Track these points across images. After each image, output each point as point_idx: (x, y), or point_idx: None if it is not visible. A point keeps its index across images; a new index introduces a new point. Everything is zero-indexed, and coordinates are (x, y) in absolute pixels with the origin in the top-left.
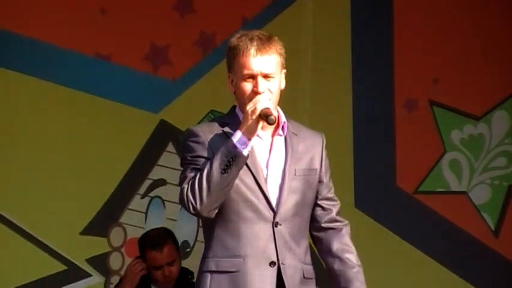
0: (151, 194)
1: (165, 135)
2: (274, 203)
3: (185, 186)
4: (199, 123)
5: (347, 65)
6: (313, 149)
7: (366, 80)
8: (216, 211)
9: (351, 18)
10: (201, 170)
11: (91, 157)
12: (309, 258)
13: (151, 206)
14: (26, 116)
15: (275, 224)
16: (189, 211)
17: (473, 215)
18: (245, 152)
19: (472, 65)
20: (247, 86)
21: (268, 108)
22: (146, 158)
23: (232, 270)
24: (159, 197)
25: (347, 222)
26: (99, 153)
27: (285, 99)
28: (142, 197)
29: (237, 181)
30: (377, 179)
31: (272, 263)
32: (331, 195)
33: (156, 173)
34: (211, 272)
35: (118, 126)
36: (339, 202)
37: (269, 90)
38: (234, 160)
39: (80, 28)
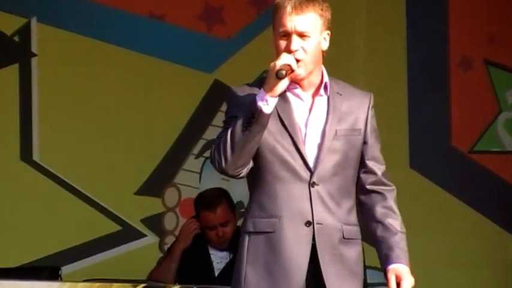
0: (206, 154)
1: (219, 95)
2: (311, 163)
3: (213, 145)
4: (253, 82)
5: (402, 23)
6: (358, 109)
7: (421, 38)
8: (245, 170)
9: None
10: (228, 129)
11: (145, 117)
12: (352, 219)
13: (205, 166)
14: (81, 76)
15: (311, 184)
16: (216, 169)
17: None
18: (265, 109)
19: None
20: (282, 44)
21: (287, 65)
22: (200, 117)
23: (269, 230)
24: None
25: (393, 187)
26: (153, 113)
27: (340, 61)
28: (197, 157)
29: (273, 142)
30: (432, 138)
31: (308, 223)
32: (377, 156)
33: (210, 133)
34: (250, 232)
35: (172, 86)
36: (384, 164)
37: (303, 48)
38: (254, 117)
39: None
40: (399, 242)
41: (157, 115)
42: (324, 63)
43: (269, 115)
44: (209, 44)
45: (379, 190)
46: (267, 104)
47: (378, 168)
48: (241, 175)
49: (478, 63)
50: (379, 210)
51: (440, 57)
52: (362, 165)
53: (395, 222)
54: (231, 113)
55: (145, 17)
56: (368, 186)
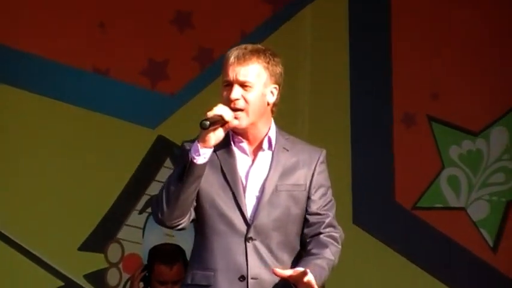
0: (149, 210)
1: (162, 151)
2: (249, 217)
3: (153, 197)
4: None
5: (345, 79)
6: (304, 164)
7: (364, 94)
8: (183, 222)
9: (349, 33)
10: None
11: (88, 172)
12: None
13: (149, 221)
14: (23, 131)
15: (248, 239)
16: (155, 221)
17: (471, 230)
18: (198, 160)
19: (471, 80)
20: (225, 93)
21: (218, 115)
22: (144, 173)
23: (204, 283)
24: None
25: (340, 231)
26: (96, 168)
27: (283, 114)
28: (140, 212)
29: (213, 195)
30: (375, 194)
31: (241, 277)
32: (321, 210)
33: (154, 189)
34: (187, 285)
35: (115, 142)
36: (329, 216)
37: (244, 98)
38: (187, 168)
39: (78, 42)
40: (318, 261)
41: (101, 170)
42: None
43: (202, 166)
44: (153, 99)
45: (319, 238)
46: (199, 154)
47: (322, 219)
48: (179, 226)
49: (421, 118)
50: (311, 247)
51: (384, 113)
52: (305, 218)
53: (325, 251)
54: (177, 166)
55: (89, 72)
56: (308, 239)
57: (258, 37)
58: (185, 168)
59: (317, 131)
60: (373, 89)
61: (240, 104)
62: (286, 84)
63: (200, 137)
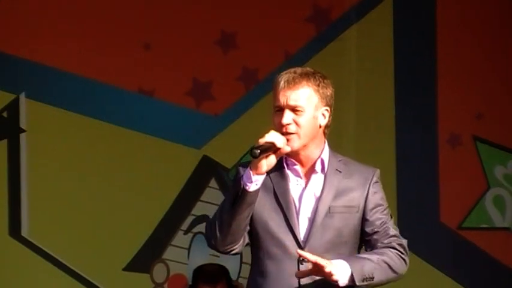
0: (194, 230)
1: (207, 171)
2: (302, 240)
3: (207, 222)
4: (241, 159)
5: (390, 100)
6: (358, 185)
7: (410, 115)
8: (237, 247)
9: (394, 54)
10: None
11: (135, 193)
12: None
13: (194, 241)
14: (70, 152)
15: (301, 261)
16: (208, 246)
17: None
18: (250, 187)
19: None
20: (276, 118)
21: (269, 143)
22: (189, 193)
23: None
24: (202, 233)
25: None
26: (143, 189)
27: (329, 134)
28: (185, 232)
29: (266, 218)
30: (421, 214)
31: None
32: (379, 229)
33: (199, 209)
34: None
35: (161, 162)
36: (390, 228)
37: (296, 122)
38: (239, 195)
39: (123, 63)
40: (367, 255)
41: (146, 191)
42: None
43: (255, 192)
44: (198, 120)
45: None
46: (251, 182)
47: (385, 238)
48: (233, 252)
49: (466, 139)
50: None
51: (429, 134)
52: (366, 240)
53: (381, 251)
54: (229, 190)
55: (135, 93)
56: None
57: (302, 57)
58: (235, 195)
59: (362, 152)
60: (418, 110)
61: (292, 128)
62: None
63: (252, 164)
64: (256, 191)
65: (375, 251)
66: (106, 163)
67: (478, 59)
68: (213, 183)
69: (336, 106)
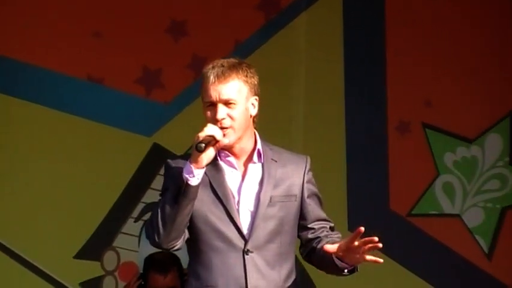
0: (145, 218)
1: (158, 159)
2: (245, 231)
3: (147, 220)
4: (191, 146)
5: (340, 88)
6: (293, 174)
7: (359, 102)
8: (178, 242)
9: (344, 42)
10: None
11: (83, 181)
12: (292, 285)
13: (144, 229)
14: (17, 139)
15: (246, 252)
16: (151, 244)
17: (466, 237)
18: (192, 181)
19: (465, 87)
20: (209, 114)
21: (209, 136)
22: (139, 181)
23: None
24: None
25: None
26: (92, 176)
27: (278, 122)
28: (136, 220)
29: (206, 212)
30: (370, 201)
31: None
32: (321, 216)
33: (149, 197)
34: None
35: (110, 150)
36: (329, 221)
37: (230, 116)
38: (182, 190)
39: (72, 51)
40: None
41: (96, 178)
42: (257, 129)
43: (196, 187)
44: (148, 107)
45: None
46: (193, 176)
47: (326, 224)
48: (175, 247)
49: (415, 126)
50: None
51: (378, 121)
52: (309, 229)
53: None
54: (164, 186)
55: (84, 81)
56: (314, 244)
57: (251, 45)
58: (180, 190)
59: (312, 139)
60: (367, 97)
61: (227, 122)
62: (281, 92)
63: (193, 158)
64: (198, 186)
65: (330, 237)
66: (55, 151)
67: (426, 47)
68: (163, 170)
69: (286, 94)
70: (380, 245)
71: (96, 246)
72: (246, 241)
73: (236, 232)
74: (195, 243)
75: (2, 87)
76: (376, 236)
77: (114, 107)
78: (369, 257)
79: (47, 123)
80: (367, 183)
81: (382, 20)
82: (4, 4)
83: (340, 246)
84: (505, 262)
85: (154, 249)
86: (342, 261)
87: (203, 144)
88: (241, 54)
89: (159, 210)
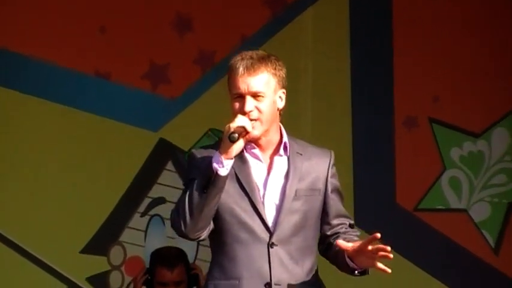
0: (151, 213)
1: (164, 154)
2: (270, 224)
3: (173, 209)
4: (198, 141)
5: (347, 82)
6: (318, 168)
7: (366, 97)
8: (205, 233)
9: (350, 37)
10: (186, 192)
11: (90, 176)
12: (312, 279)
13: (151, 224)
14: (25, 134)
15: (270, 245)
16: (177, 233)
17: (473, 232)
18: (221, 171)
19: (471, 82)
20: (237, 105)
21: (240, 127)
22: (146, 176)
23: None
24: (159, 215)
25: (358, 233)
26: (99, 171)
27: (286, 117)
28: (142, 215)
29: (232, 204)
30: (377, 196)
31: (267, 284)
32: (342, 212)
33: (155, 191)
34: None
35: (117, 145)
36: (350, 218)
37: (258, 109)
38: (211, 180)
39: (79, 46)
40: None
41: (103, 173)
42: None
43: (225, 177)
44: (154, 102)
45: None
46: (223, 166)
47: (346, 220)
48: (201, 238)
49: (422, 121)
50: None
51: (385, 116)
52: (329, 224)
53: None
54: (190, 176)
55: (91, 76)
56: (332, 240)
57: (258, 40)
58: (207, 180)
59: (319, 134)
60: (374, 92)
61: (254, 114)
62: (288, 87)
63: (223, 148)
64: (227, 176)
65: (348, 234)
66: (63, 146)
67: (434, 42)
68: (169, 165)
69: (293, 88)
70: (391, 255)
71: (102, 241)
72: (271, 234)
73: (261, 225)
74: (219, 235)
75: (7, 81)
76: (381, 231)
77: (121, 102)
78: (379, 265)
79: (53, 118)
80: (374, 177)
81: (389, 16)
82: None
83: (354, 247)
84: None
85: (160, 244)
86: (353, 261)
87: (236, 135)
88: (247, 50)
89: (186, 200)
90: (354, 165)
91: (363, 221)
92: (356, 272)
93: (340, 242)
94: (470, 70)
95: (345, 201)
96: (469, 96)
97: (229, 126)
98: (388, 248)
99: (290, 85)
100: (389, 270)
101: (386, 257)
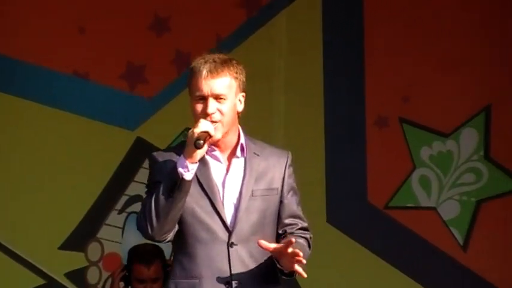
0: (128, 210)
1: (141, 152)
2: (229, 224)
3: (139, 213)
4: (174, 140)
5: (319, 82)
6: (275, 168)
7: (338, 97)
8: (170, 234)
9: (323, 38)
10: (152, 196)
11: (69, 173)
12: (273, 278)
13: (128, 221)
14: (3, 133)
15: (230, 245)
16: (143, 236)
17: (442, 230)
18: (186, 176)
19: (441, 83)
20: (199, 107)
21: (204, 132)
22: (123, 174)
23: None
24: (136, 213)
25: (310, 235)
26: (77, 169)
27: (259, 116)
28: (120, 212)
29: (192, 204)
30: (348, 194)
31: (227, 284)
32: (296, 213)
33: (132, 189)
34: None
35: (95, 143)
36: (305, 220)
37: (220, 111)
38: (176, 184)
39: (58, 46)
40: (300, 239)
41: (80, 171)
42: (240, 123)
43: (190, 181)
44: (132, 102)
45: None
46: (188, 171)
47: (299, 222)
48: (167, 239)
49: (393, 121)
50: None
51: (357, 115)
52: (281, 223)
53: (303, 238)
54: (153, 179)
55: (70, 75)
56: (286, 232)
57: (233, 41)
58: (172, 184)
59: (292, 132)
60: (346, 92)
61: (216, 116)
62: (262, 87)
63: (188, 153)
64: (191, 180)
65: (296, 234)
66: (41, 143)
67: (404, 43)
68: (146, 164)
69: (267, 88)
70: (304, 261)
71: (80, 237)
72: (230, 233)
73: (221, 224)
74: (181, 235)
75: None
76: (353, 228)
77: (99, 102)
78: (297, 267)
79: (31, 117)
80: (346, 176)
81: (361, 17)
82: None
83: (275, 248)
84: (480, 254)
85: (137, 241)
86: (278, 263)
87: (201, 141)
88: (223, 50)
89: (152, 204)
90: (327, 164)
91: (335, 218)
92: (283, 274)
93: (262, 242)
94: (440, 71)
95: (317, 199)
96: (439, 96)
97: (193, 131)
98: (301, 254)
99: (264, 84)
100: (305, 275)
101: (299, 261)
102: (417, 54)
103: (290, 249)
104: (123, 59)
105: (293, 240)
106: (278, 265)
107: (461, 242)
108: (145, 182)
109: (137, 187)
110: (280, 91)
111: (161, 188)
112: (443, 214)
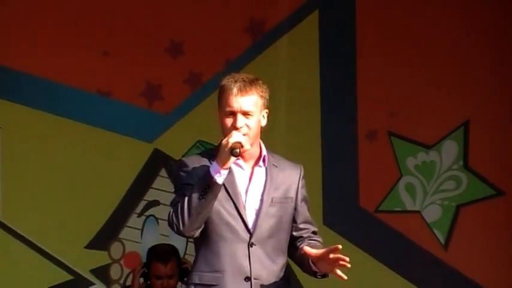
0: (147, 213)
1: (158, 162)
2: (250, 226)
3: (171, 210)
4: (188, 151)
5: (316, 100)
6: (290, 179)
7: (333, 113)
8: (198, 231)
9: (320, 60)
10: (185, 196)
11: (94, 181)
12: (285, 275)
13: (146, 223)
14: (41, 145)
15: (250, 245)
16: (174, 231)
17: (425, 231)
18: (218, 180)
19: (424, 100)
20: (228, 122)
21: (238, 143)
22: (142, 181)
23: (213, 283)
24: (153, 216)
25: (321, 239)
26: (102, 177)
27: (264, 132)
28: (139, 215)
29: (219, 207)
30: (343, 199)
31: (247, 278)
32: (308, 219)
33: (150, 195)
34: (195, 284)
35: (118, 154)
36: (315, 226)
37: (247, 125)
38: (209, 187)
39: (85, 68)
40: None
41: (105, 179)
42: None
43: (221, 185)
44: (150, 117)
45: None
46: (220, 175)
47: (311, 227)
48: (195, 235)
49: (381, 134)
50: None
51: (350, 130)
52: (296, 228)
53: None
54: (183, 181)
55: (94, 94)
56: (298, 242)
57: (240, 63)
58: (205, 187)
59: (293, 145)
60: (340, 109)
61: (244, 130)
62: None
63: (221, 160)
64: (222, 184)
65: (311, 239)
66: (71, 154)
67: (393, 64)
68: (162, 172)
69: (269, 105)
70: (349, 265)
71: (104, 238)
72: (251, 235)
73: (243, 226)
74: (206, 233)
75: (24, 99)
76: (346, 230)
77: (121, 117)
78: (338, 272)
79: (62, 132)
80: (340, 183)
81: (353, 43)
82: (27, 22)
83: (317, 254)
84: (459, 252)
85: (154, 241)
86: (315, 266)
87: (238, 150)
88: (231, 71)
89: (185, 203)
90: (323, 173)
91: (331, 221)
92: (318, 275)
93: (306, 249)
94: (424, 88)
95: (315, 204)
96: (423, 112)
97: (227, 141)
98: (347, 259)
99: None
100: (345, 277)
101: (344, 266)
102: (404, 74)
103: (331, 255)
104: (142, 79)
105: (340, 246)
106: (314, 267)
107: (442, 242)
108: (162, 188)
109: (154, 193)
110: (281, 108)
111: (194, 190)
112: (426, 217)
